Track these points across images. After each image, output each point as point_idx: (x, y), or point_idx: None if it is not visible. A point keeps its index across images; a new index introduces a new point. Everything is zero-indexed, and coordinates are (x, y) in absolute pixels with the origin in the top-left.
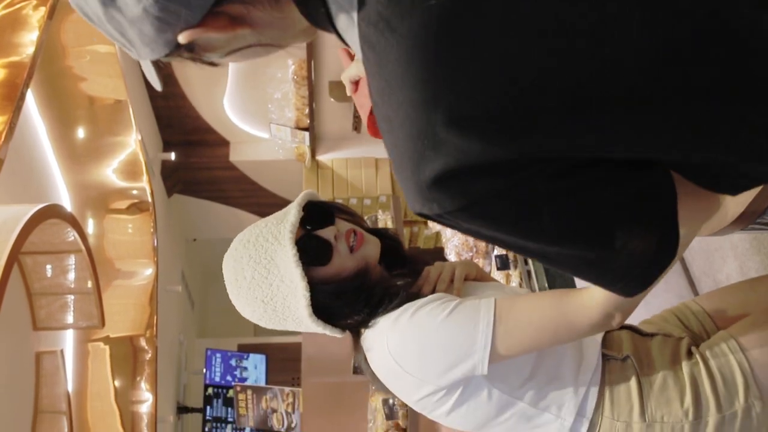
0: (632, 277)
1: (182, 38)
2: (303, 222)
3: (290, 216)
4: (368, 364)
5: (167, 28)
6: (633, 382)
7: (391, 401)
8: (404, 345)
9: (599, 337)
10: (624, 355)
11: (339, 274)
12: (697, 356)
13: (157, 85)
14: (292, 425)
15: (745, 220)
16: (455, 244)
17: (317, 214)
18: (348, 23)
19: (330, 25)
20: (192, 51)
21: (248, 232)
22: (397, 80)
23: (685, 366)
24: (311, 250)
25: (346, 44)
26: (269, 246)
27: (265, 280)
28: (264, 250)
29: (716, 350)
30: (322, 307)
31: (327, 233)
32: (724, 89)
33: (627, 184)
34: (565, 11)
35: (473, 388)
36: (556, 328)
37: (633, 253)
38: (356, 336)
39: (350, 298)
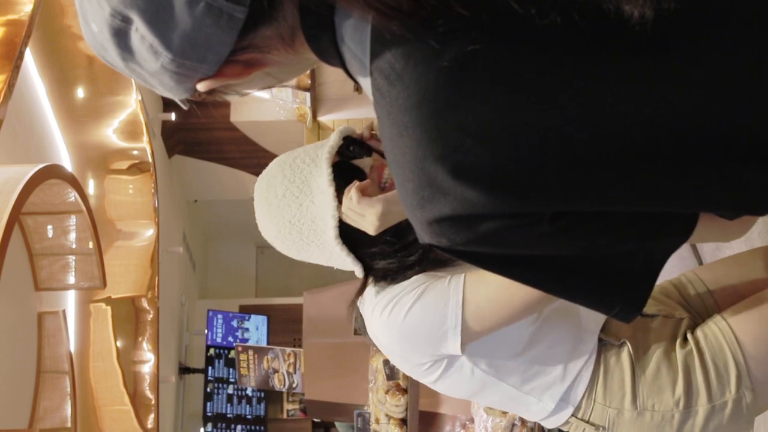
0: (626, 302)
1: (201, 87)
2: (341, 150)
3: (330, 141)
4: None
5: (186, 79)
6: (627, 369)
7: (391, 362)
8: (383, 331)
9: (600, 322)
10: (621, 340)
11: None
12: (692, 344)
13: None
14: (294, 385)
15: None
16: None
17: (356, 147)
18: (360, 69)
19: (342, 67)
20: (211, 93)
21: (286, 155)
22: (407, 129)
23: (679, 354)
24: (346, 174)
25: (357, 83)
26: (305, 167)
27: (296, 199)
28: (300, 171)
29: (711, 339)
30: (348, 234)
31: (364, 163)
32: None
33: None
34: (572, 73)
35: (457, 366)
36: (526, 296)
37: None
38: (362, 287)
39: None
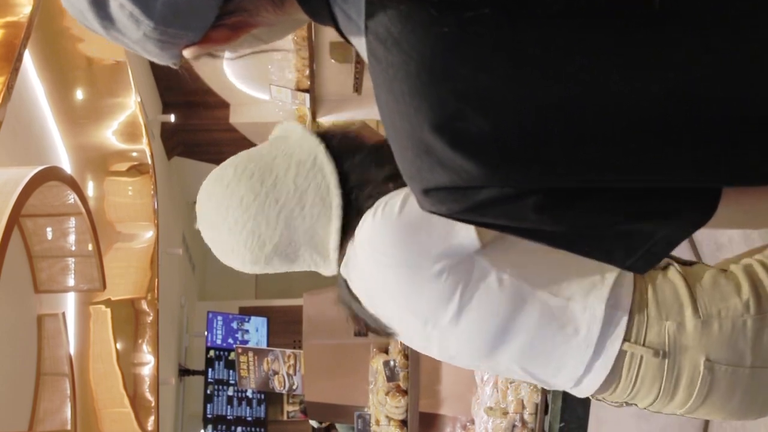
0: (643, 256)
1: (187, 54)
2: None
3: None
4: (351, 294)
5: (171, 46)
6: (679, 281)
7: (392, 363)
8: (378, 238)
9: None
10: (665, 264)
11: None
12: (746, 261)
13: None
14: (294, 387)
15: None
16: None
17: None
18: (355, 30)
19: (336, 28)
20: (197, 58)
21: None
22: (404, 96)
23: (736, 267)
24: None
25: (349, 42)
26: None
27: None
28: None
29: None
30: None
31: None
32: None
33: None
34: (576, 49)
35: (478, 275)
36: None
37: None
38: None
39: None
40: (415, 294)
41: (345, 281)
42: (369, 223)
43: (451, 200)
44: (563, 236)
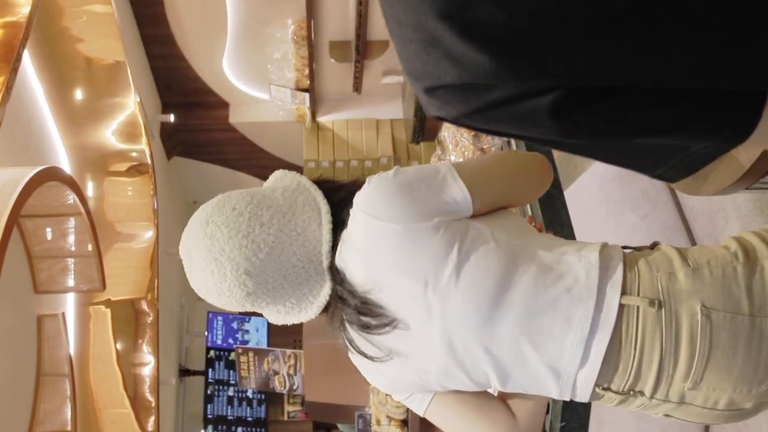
0: (677, 165)
1: None
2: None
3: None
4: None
5: None
6: (668, 248)
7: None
8: (376, 195)
9: None
10: (652, 244)
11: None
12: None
13: None
14: (294, 387)
15: (749, 179)
16: None
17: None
18: None
19: None
20: None
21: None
22: None
23: (726, 237)
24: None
25: None
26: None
27: (257, 208)
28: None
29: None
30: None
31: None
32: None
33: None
34: None
35: (473, 234)
36: (501, 159)
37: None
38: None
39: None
40: (413, 252)
41: (340, 276)
42: (364, 192)
43: (458, 100)
44: (584, 147)
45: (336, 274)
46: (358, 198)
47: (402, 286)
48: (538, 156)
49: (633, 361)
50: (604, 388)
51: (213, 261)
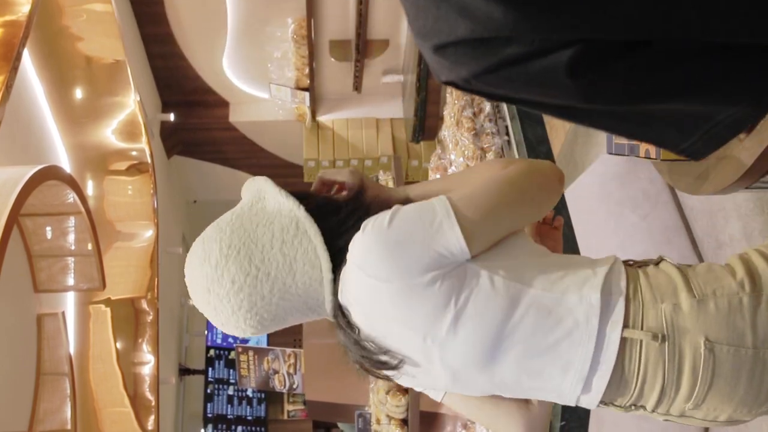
0: (706, 137)
1: None
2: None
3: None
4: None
5: None
6: (672, 270)
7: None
8: (367, 251)
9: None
10: (658, 259)
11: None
12: (748, 249)
13: None
14: (294, 386)
15: (749, 178)
16: None
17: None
18: None
19: None
20: None
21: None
22: None
23: (732, 257)
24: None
25: None
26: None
27: (250, 238)
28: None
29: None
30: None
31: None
32: None
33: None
34: None
35: (470, 281)
36: (513, 173)
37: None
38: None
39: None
40: (410, 308)
41: (343, 312)
42: (359, 242)
43: (470, 57)
44: (602, 115)
45: (340, 317)
46: (354, 249)
47: (402, 335)
48: (544, 166)
49: (635, 389)
50: (607, 404)
51: (219, 321)
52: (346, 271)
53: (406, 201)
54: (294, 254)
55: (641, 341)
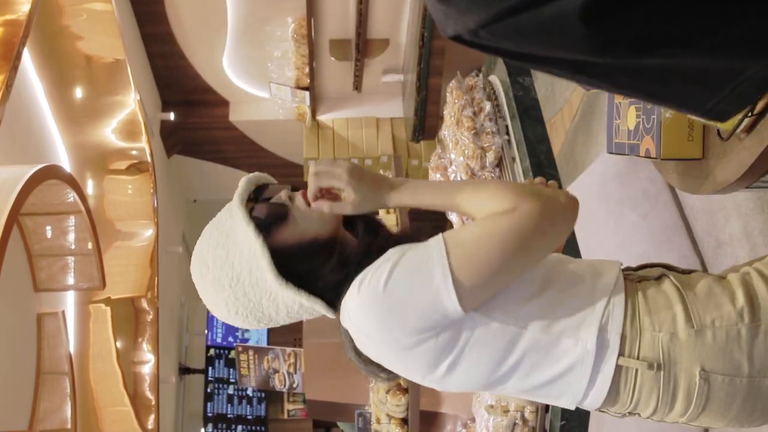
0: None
1: None
2: (255, 195)
3: (239, 189)
4: (350, 339)
5: None
6: (672, 292)
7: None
8: (362, 314)
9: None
10: (659, 273)
11: (302, 235)
12: (744, 269)
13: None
14: (294, 385)
15: (750, 177)
16: None
17: (269, 188)
18: None
19: None
20: None
21: (207, 227)
22: None
23: (732, 276)
24: (265, 211)
25: None
26: (224, 224)
27: (226, 260)
28: (219, 231)
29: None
30: (291, 274)
31: (281, 197)
32: None
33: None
34: None
35: (467, 329)
36: (513, 225)
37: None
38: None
39: (318, 258)
40: (406, 363)
41: (346, 330)
42: (352, 302)
43: (479, 4)
44: (618, 71)
45: (343, 332)
46: (348, 309)
47: (401, 371)
48: (557, 203)
49: (629, 405)
50: (602, 411)
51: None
52: (345, 301)
53: (405, 228)
54: (297, 311)
55: (637, 369)
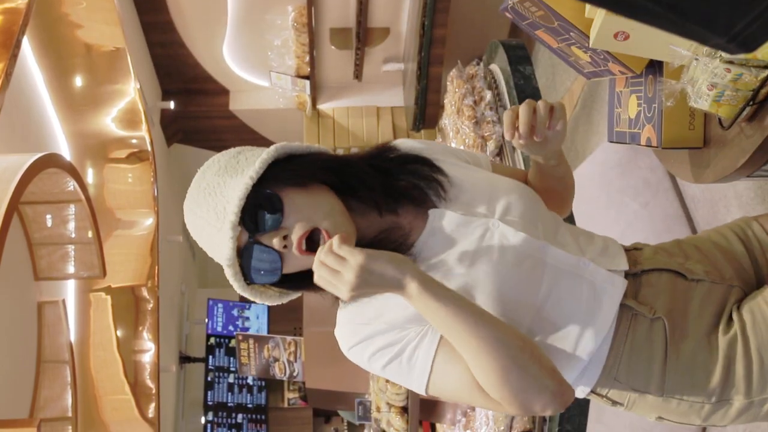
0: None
1: None
2: (244, 220)
3: (228, 214)
4: None
5: None
6: (658, 349)
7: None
8: (339, 340)
9: (619, 294)
10: (655, 315)
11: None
12: (737, 328)
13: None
14: (294, 374)
15: (751, 166)
16: None
17: (267, 203)
18: None
19: None
20: None
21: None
22: None
23: (722, 341)
24: (254, 264)
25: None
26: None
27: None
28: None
29: (759, 323)
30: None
31: (272, 243)
32: None
33: None
34: None
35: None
36: (486, 405)
37: None
38: None
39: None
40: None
41: None
42: (336, 330)
43: None
44: None
45: None
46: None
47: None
48: (544, 381)
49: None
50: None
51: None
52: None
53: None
54: None
55: (599, 401)
